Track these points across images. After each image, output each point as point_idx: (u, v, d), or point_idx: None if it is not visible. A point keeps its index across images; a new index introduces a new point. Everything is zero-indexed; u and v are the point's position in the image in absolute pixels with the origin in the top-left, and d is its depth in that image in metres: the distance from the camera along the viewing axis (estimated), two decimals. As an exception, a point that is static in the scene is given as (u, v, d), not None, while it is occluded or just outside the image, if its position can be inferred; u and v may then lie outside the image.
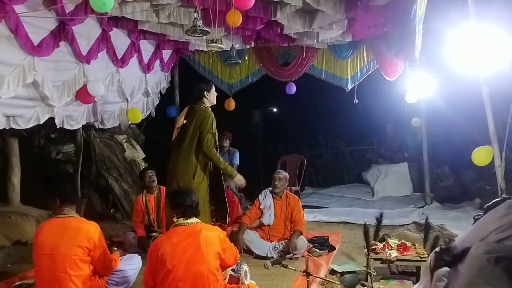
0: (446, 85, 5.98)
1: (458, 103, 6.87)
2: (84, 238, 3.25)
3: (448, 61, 4.59)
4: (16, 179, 6.27)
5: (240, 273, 3.55)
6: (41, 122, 4.97)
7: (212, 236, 3.11)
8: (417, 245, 4.50)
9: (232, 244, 3.38)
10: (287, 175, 5.64)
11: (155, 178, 5.71)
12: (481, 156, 4.63)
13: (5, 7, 3.85)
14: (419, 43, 4.86)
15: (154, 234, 5.55)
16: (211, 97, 4.96)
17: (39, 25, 4.46)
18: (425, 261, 4.20)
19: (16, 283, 4.09)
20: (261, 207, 5.54)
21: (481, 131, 7.19)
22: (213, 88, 5.03)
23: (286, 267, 3.64)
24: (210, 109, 4.91)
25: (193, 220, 3.18)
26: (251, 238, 5.39)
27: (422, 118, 8.26)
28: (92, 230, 3.32)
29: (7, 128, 4.64)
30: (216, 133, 4.84)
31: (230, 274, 3.48)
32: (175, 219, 3.17)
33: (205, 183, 4.82)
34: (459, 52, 4.28)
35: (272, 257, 5.11)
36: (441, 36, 4.80)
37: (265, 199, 5.55)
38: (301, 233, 5.34)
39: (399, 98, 7.13)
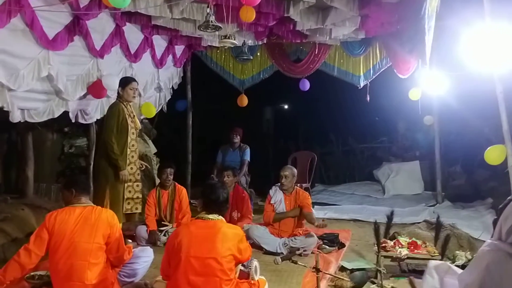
0: (460, 83, 5.93)
1: (471, 101, 6.80)
2: (106, 225, 3.38)
3: (462, 59, 4.55)
4: (29, 172, 6.34)
5: (250, 269, 3.56)
6: (56, 116, 5.03)
7: (230, 234, 3.11)
8: (427, 244, 4.48)
9: (248, 244, 3.38)
10: (295, 171, 5.63)
11: (171, 177, 5.74)
12: (494, 155, 4.58)
13: (20, 1, 3.90)
14: (430, 40, 4.83)
15: (164, 228, 5.60)
16: (124, 94, 5.09)
17: (54, 19, 4.50)
18: (435, 259, 4.18)
19: (28, 274, 4.15)
20: (271, 202, 5.55)
21: (494, 129, 7.12)
22: (130, 85, 5.12)
23: (296, 263, 3.64)
24: (123, 102, 5.07)
25: (215, 216, 3.18)
26: (261, 233, 5.40)
27: (434, 116, 8.19)
28: (110, 216, 3.47)
29: (22, 121, 4.70)
30: (126, 121, 4.99)
31: (240, 270, 3.49)
32: (199, 210, 3.21)
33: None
34: (474, 50, 4.24)
35: (282, 253, 5.12)
36: (456, 34, 4.76)
37: (276, 193, 5.56)
38: (311, 215, 5.42)
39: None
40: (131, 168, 5.08)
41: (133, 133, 5.09)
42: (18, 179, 6.45)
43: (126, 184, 5.01)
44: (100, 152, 5.10)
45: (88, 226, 3.34)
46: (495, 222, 2.05)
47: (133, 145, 5.10)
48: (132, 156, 5.09)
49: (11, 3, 3.80)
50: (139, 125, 5.28)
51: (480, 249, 1.89)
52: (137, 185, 5.17)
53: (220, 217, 3.22)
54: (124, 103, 5.05)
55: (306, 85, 8.15)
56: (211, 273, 3.00)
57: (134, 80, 5.24)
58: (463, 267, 4.11)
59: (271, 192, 5.61)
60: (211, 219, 3.16)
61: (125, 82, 5.13)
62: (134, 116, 5.17)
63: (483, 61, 4.21)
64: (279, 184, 5.59)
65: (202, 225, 3.13)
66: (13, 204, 5.84)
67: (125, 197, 5.00)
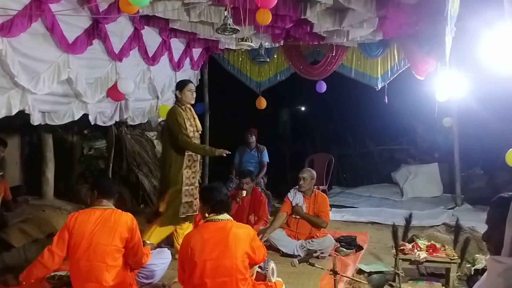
0: (479, 84, 5.86)
1: (491, 103, 6.71)
2: (125, 229, 3.39)
3: (482, 60, 4.49)
4: (50, 173, 6.43)
5: (267, 270, 3.56)
6: (76, 119, 5.09)
7: (241, 234, 3.12)
8: (447, 247, 4.43)
9: (261, 242, 3.40)
10: (314, 173, 5.60)
11: None
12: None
13: (41, 5, 3.97)
14: (449, 41, 4.77)
15: (183, 230, 5.64)
16: (183, 96, 5.06)
17: (73, 23, 4.57)
18: (455, 263, 4.14)
19: (48, 275, 4.21)
20: (293, 204, 5.51)
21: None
22: (187, 86, 5.08)
23: (313, 265, 3.64)
24: (181, 106, 5.04)
25: (224, 216, 3.21)
26: (278, 236, 5.40)
27: (454, 118, 8.10)
28: (129, 220, 3.46)
29: (42, 124, 4.78)
30: (185, 124, 4.94)
31: (257, 271, 3.50)
32: (206, 214, 3.22)
33: (181, 175, 4.96)
34: (494, 52, 4.18)
35: (299, 255, 5.11)
36: (475, 35, 4.70)
37: (295, 196, 5.52)
38: (320, 224, 5.37)
39: (430, 97, 7.00)
40: (187, 172, 5.01)
41: (192, 137, 5.02)
42: (38, 181, 6.55)
43: (183, 188, 4.94)
44: (165, 159, 5.09)
45: (107, 228, 3.36)
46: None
47: None
48: (189, 160, 5.02)
49: (32, 8, 3.87)
50: (200, 128, 5.21)
51: (495, 266, 1.51)
52: (192, 189, 5.08)
53: (229, 216, 3.25)
54: (183, 107, 5.03)
55: (322, 87, 8.12)
56: (227, 274, 3.02)
57: (191, 81, 5.26)
58: (482, 271, 4.07)
59: (290, 195, 5.58)
60: (221, 219, 3.18)
61: (183, 84, 5.11)
62: (194, 119, 5.12)
63: (504, 63, 4.14)
64: (297, 186, 5.57)
65: (213, 228, 3.15)
66: (34, 205, 5.93)
67: (182, 201, 4.93)
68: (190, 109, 5.13)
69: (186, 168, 4.99)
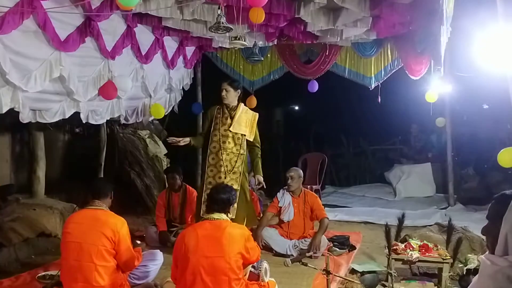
0: (472, 85, 5.88)
1: (484, 104, 6.74)
2: (111, 230, 3.34)
3: (475, 61, 4.50)
4: (41, 172, 6.38)
5: (260, 270, 3.55)
6: (67, 116, 5.05)
7: (236, 234, 3.12)
8: (439, 247, 4.44)
9: (256, 243, 3.39)
10: (301, 172, 5.60)
11: (176, 182, 5.75)
12: (507, 157, 4.53)
13: (33, 2, 3.92)
14: (445, 42, 4.77)
15: (174, 229, 5.61)
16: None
17: (66, 20, 4.52)
18: (447, 262, 4.15)
19: (39, 274, 4.18)
20: (279, 205, 5.51)
21: (507, 132, 7.06)
22: (222, 86, 5.14)
23: (306, 265, 3.63)
24: (220, 104, 5.18)
25: (221, 216, 3.20)
26: (271, 235, 5.39)
27: (447, 118, 8.12)
28: (119, 224, 3.42)
29: (33, 121, 4.74)
30: (211, 123, 5.10)
31: (250, 271, 3.49)
32: (204, 212, 3.22)
33: (205, 173, 5.08)
34: (487, 52, 4.19)
35: (292, 255, 5.10)
36: (468, 35, 4.70)
37: (283, 197, 5.53)
38: (327, 226, 5.33)
39: (423, 97, 7.03)
40: (211, 171, 5.02)
41: (215, 135, 5.05)
42: (29, 179, 6.50)
43: (204, 187, 4.95)
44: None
45: (95, 228, 3.33)
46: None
47: (214, 147, 5.03)
48: (213, 158, 5.03)
49: (23, 5, 3.82)
50: (233, 126, 5.09)
51: (486, 267, 1.45)
52: None
53: (226, 216, 3.23)
54: (220, 105, 5.14)
55: (314, 86, 8.09)
56: (220, 272, 3.01)
57: (226, 80, 5.26)
58: (475, 270, 4.08)
59: (279, 195, 5.57)
60: (217, 218, 3.17)
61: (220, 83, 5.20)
62: (228, 117, 5.09)
63: (496, 63, 4.15)
64: (286, 186, 5.57)
65: (209, 226, 3.14)
66: (25, 204, 5.88)
67: (203, 200, 4.88)
68: (231, 108, 5.14)
69: (210, 167, 5.02)
